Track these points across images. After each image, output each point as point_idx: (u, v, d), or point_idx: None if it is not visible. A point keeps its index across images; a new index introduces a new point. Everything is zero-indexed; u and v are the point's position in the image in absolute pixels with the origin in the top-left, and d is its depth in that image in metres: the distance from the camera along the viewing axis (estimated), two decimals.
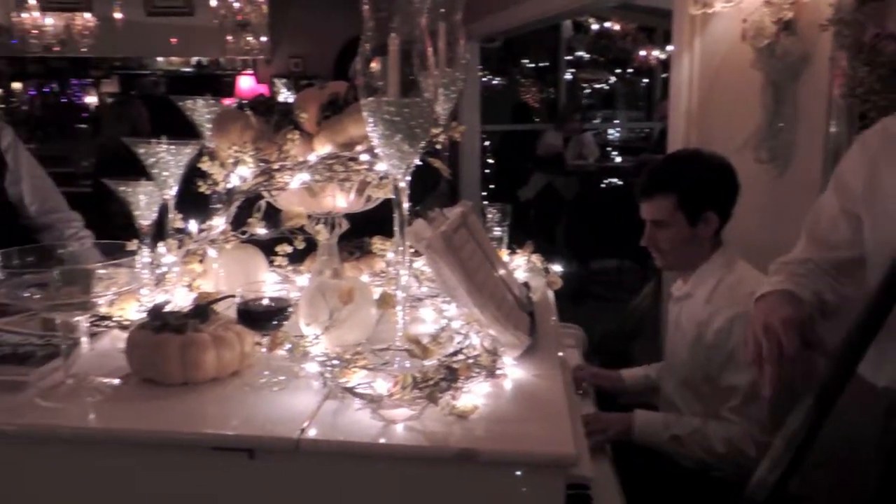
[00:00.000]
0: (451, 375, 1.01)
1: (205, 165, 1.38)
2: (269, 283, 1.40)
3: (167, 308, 1.17)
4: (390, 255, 1.62)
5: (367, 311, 1.22)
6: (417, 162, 1.04)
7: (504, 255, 1.77)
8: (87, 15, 6.28)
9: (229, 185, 1.37)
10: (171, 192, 1.42)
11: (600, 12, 8.37)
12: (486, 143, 7.54)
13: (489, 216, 1.84)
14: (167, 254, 1.42)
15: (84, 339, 1.12)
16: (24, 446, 1.00)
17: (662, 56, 8.66)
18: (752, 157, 2.62)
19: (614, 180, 7.07)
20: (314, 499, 0.96)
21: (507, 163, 7.84)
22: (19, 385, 1.08)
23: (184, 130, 1.48)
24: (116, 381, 1.10)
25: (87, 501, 0.99)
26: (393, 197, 1.06)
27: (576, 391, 2.04)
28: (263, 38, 6.55)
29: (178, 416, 1.01)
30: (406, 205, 1.05)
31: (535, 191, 7.02)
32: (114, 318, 1.34)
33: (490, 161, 7.95)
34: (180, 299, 1.38)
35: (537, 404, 1.04)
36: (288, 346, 1.13)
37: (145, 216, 1.42)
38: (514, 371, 1.14)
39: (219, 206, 1.41)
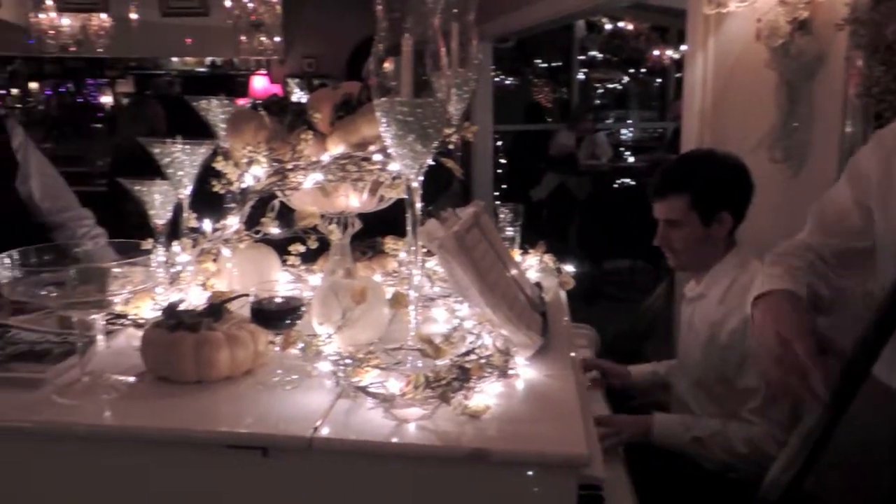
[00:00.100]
0: (463, 375, 1.01)
1: (219, 165, 1.39)
2: (283, 282, 1.40)
3: (181, 307, 1.18)
4: (403, 255, 1.63)
5: (379, 310, 1.23)
6: (430, 162, 1.05)
7: (516, 255, 1.77)
8: (103, 15, 6.32)
9: (243, 185, 1.38)
10: (186, 191, 1.43)
11: (613, 12, 8.34)
12: (499, 143, 7.54)
13: (501, 216, 1.84)
14: (182, 253, 1.43)
15: (100, 337, 1.13)
16: (41, 443, 1.01)
17: (676, 56, 8.62)
18: (766, 156, 2.60)
19: (627, 180, 7.04)
20: (327, 497, 0.96)
21: (520, 163, 7.83)
22: (36, 382, 1.09)
23: (199, 130, 1.49)
24: (131, 379, 1.11)
25: (102, 498, 1.00)
26: (405, 197, 1.06)
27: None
28: (277, 39, 6.57)
29: (192, 414, 1.02)
30: (418, 205, 1.06)
31: (547, 191, 7.00)
32: (129, 317, 1.36)
33: (502, 161, 7.95)
34: (194, 298, 1.39)
35: (549, 404, 1.04)
36: (301, 345, 1.13)
37: (160, 215, 1.43)
38: (526, 371, 1.14)
39: (233, 205, 1.41)
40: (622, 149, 8.92)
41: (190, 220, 1.45)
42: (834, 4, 2.30)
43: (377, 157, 1.32)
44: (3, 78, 8.67)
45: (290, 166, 1.34)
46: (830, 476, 1.26)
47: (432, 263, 1.55)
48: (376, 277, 1.58)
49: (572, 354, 1.26)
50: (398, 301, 1.21)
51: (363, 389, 1.01)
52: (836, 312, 1.39)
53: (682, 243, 2.00)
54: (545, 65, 10.27)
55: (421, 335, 1.08)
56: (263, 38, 6.44)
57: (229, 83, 8.56)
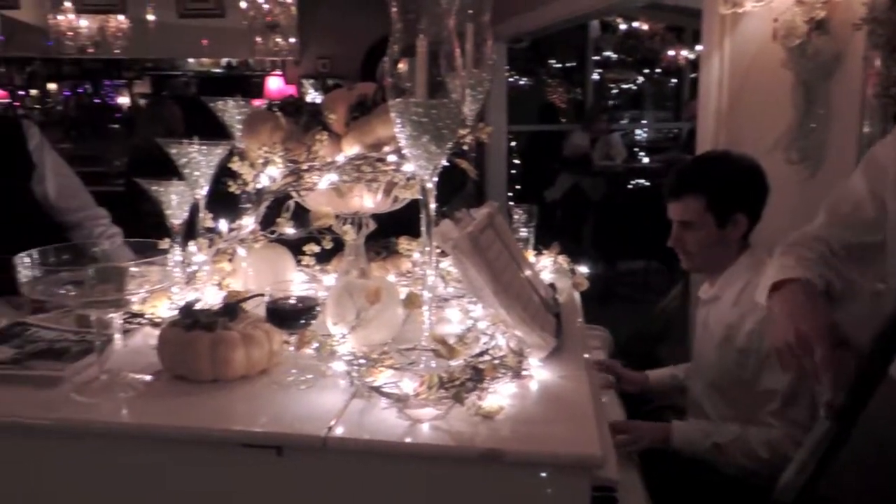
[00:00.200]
0: (476, 376, 1.01)
1: (235, 166, 1.40)
2: (297, 282, 1.41)
3: (198, 306, 1.19)
4: (417, 256, 1.63)
5: (393, 310, 1.23)
6: (444, 163, 1.04)
7: (530, 255, 1.77)
8: (121, 17, 6.39)
9: (259, 186, 1.39)
10: (202, 191, 1.44)
11: (628, 12, 8.30)
12: (513, 143, 7.52)
13: (515, 217, 1.84)
14: (198, 253, 1.44)
15: (117, 336, 1.14)
16: (59, 440, 1.02)
17: (691, 56, 8.56)
18: (782, 157, 2.58)
19: (641, 181, 7.00)
20: (341, 496, 0.96)
21: (534, 163, 7.80)
22: (54, 380, 1.11)
23: (215, 131, 1.50)
24: (148, 378, 1.13)
25: (118, 495, 1.01)
26: (420, 197, 1.06)
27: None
28: (292, 40, 6.62)
29: (208, 413, 1.03)
30: (433, 205, 1.06)
31: (561, 191, 6.97)
32: (146, 316, 1.37)
33: (516, 162, 7.93)
34: (210, 297, 1.40)
35: (563, 405, 1.04)
36: (315, 344, 1.14)
37: (177, 215, 1.44)
38: (539, 372, 1.14)
39: (248, 205, 1.42)
40: (637, 149, 8.87)
41: (206, 220, 1.46)
42: (851, 4, 2.28)
43: (392, 158, 1.32)
44: (22, 79, 8.75)
45: (305, 167, 1.35)
46: (846, 477, 1.25)
47: (446, 264, 1.55)
48: (390, 278, 1.58)
49: (586, 356, 1.26)
50: (412, 301, 1.21)
51: (377, 389, 1.01)
52: (846, 305, 1.38)
53: (696, 245, 1.99)
54: (559, 65, 10.23)
55: (435, 336, 1.08)
56: (278, 39, 6.49)
57: (245, 84, 8.59)
